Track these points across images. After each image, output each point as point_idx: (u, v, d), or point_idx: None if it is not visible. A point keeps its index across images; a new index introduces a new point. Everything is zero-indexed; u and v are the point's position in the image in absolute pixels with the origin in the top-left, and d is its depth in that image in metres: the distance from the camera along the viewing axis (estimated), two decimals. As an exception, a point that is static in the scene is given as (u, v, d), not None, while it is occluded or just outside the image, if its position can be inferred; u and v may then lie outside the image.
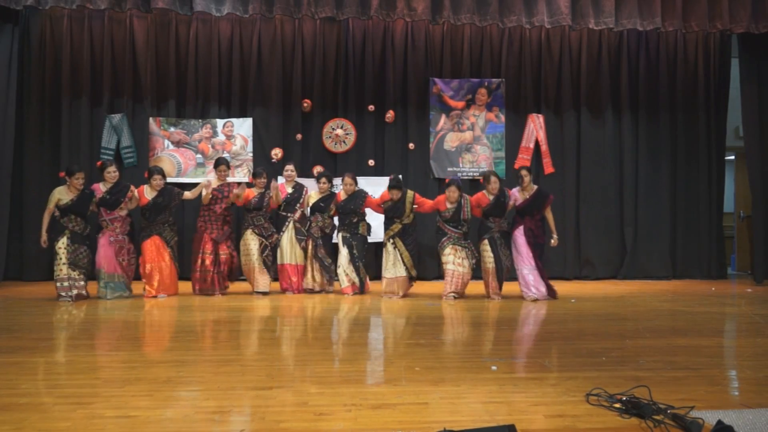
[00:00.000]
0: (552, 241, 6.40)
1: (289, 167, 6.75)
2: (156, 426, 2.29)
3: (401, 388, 2.80)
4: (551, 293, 6.20)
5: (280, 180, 6.92)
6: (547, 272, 8.15)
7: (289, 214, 6.60)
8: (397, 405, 2.54)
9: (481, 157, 8.30)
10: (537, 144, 8.36)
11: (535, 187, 6.34)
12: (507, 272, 6.26)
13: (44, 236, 5.88)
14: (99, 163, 6.36)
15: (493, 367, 3.20)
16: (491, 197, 6.18)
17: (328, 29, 8.16)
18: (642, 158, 8.52)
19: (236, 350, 3.78)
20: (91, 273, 6.03)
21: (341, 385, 2.86)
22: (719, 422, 2.18)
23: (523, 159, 8.31)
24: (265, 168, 6.96)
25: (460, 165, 8.25)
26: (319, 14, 7.23)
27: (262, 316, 5.19)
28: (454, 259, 6.15)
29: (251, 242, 6.44)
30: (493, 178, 6.17)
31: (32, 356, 3.46)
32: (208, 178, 6.55)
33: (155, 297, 6.05)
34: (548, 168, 8.37)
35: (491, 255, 6.15)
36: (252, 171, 6.82)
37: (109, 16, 7.80)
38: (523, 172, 6.26)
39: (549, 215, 6.34)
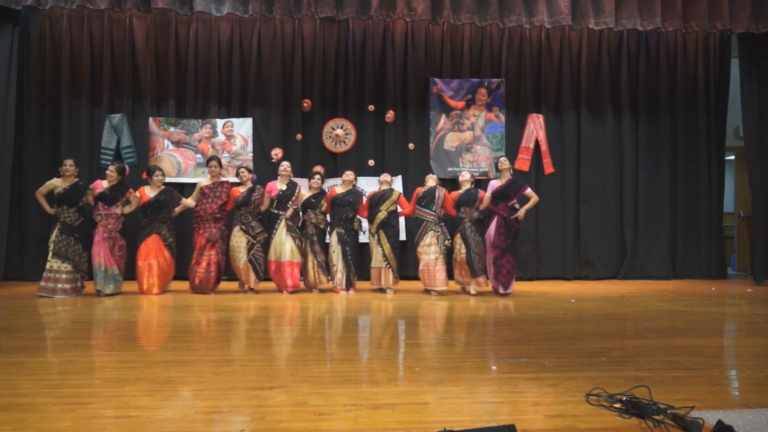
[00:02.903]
0: (519, 213, 6.48)
1: (286, 163, 6.82)
2: (156, 426, 2.29)
3: (401, 388, 2.80)
4: (504, 289, 6.43)
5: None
6: (546, 272, 8.29)
7: (281, 212, 6.63)
8: (397, 405, 2.54)
9: (481, 157, 8.29)
10: (537, 144, 8.36)
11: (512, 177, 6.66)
12: (479, 260, 6.47)
13: (48, 207, 6.17)
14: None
15: (493, 367, 3.20)
16: (462, 190, 6.70)
17: (328, 29, 8.15)
18: (642, 158, 8.52)
19: (236, 350, 3.78)
20: (81, 266, 6.20)
21: (341, 385, 2.86)
22: (719, 422, 2.18)
23: (523, 159, 8.31)
24: (255, 172, 7.00)
25: (460, 165, 8.24)
26: (319, 14, 7.23)
27: (260, 316, 5.19)
28: (428, 249, 6.48)
29: (239, 239, 6.55)
30: (467, 176, 6.76)
31: (32, 356, 3.46)
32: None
33: (145, 294, 6.25)
34: (548, 168, 8.37)
35: (463, 246, 6.48)
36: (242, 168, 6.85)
37: (108, 16, 7.81)
38: (502, 159, 6.69)
39: (532, 197, 6.60)
